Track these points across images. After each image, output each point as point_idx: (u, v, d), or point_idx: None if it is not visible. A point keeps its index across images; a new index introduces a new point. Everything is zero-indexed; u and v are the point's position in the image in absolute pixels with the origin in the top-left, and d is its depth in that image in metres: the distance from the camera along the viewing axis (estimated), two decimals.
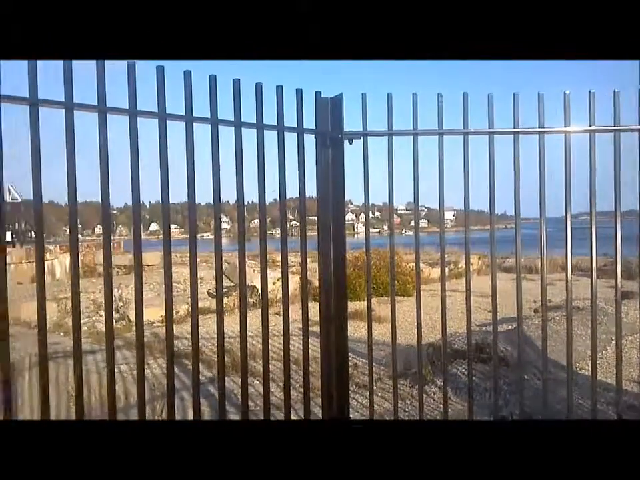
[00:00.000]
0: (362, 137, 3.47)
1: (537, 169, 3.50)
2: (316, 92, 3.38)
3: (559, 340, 6.00)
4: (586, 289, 3.52)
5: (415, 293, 3.62)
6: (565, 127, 3.45)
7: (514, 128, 3.45)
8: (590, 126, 3.43)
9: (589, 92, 3.41)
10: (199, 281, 3.00)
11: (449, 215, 74.84)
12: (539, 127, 3.45)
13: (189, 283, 2.92)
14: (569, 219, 3.48)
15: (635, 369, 5.13)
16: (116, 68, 2.66)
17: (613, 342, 4.74)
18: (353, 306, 9.33)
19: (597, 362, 3.62)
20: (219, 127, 2.98)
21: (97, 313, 9.64)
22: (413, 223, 4.07)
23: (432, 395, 5.03)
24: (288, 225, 3.27)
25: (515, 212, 3.54)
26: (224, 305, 3.11)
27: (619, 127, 3.43)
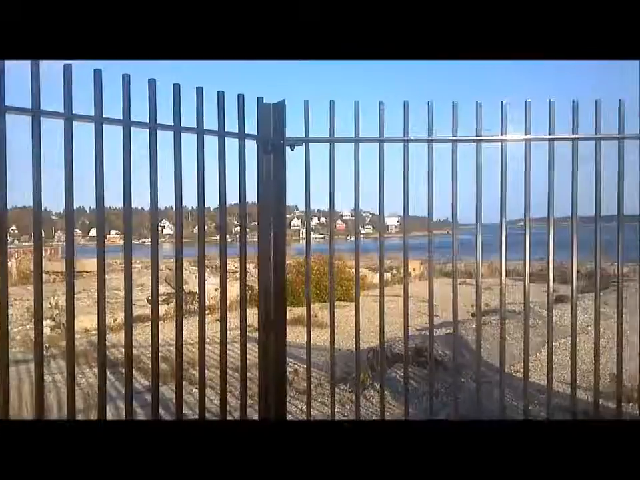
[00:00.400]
0: (304, 144, 3.48)
1: (474, 177, 3.58)
2: (258, 98, 3.37)
3: (494, 343, 6.15)
4: (521, 293, 3.62)
5: (355, 298, 3.65)
6: (502, 135, 3.54)
7: (452, 136, 3.52)
8: (525, 135, 3.54)
9: (525, 102, 3.51)
10: (140, 287, 2.95)
11: (392, 221, 75.80)
12: (476, 136, 3.53)
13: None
14: (504, 225, 3.57)
15: (568, 371, 5.29)
16: (52, 70, 2.61)
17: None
18: (295, 312, 9.34)
19: (532, 364, 3.72)
20: (160, 131, 2.94)
21: (31, 321, 9.31)
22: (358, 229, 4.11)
23: (371, 399, 5.07)
24: (233, 231, 3.25)
25: (453, 218, 3.61)
26: (166, 312, 3.07)
27: (553, 136, 3.54)
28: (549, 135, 3.55)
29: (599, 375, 3.69)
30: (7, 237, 2.51)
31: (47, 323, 8.97)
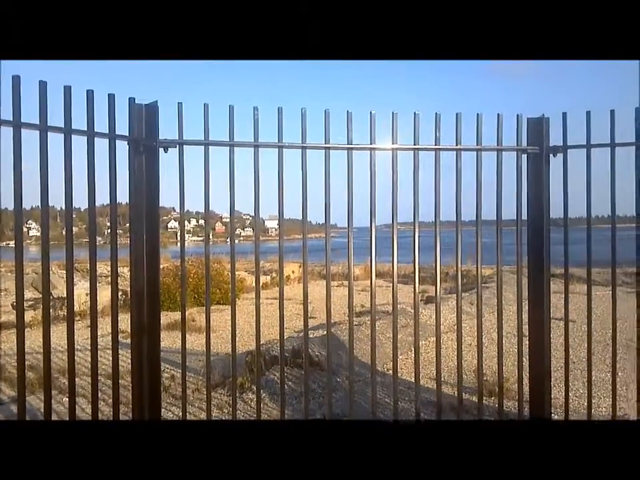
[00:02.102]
0: (177, 146, 3.45)
1: (346, 182, 3.71)
2: (130, 98, 3.31)
3: (368, 343, 6.38)
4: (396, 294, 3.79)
5: (231, 301, 3.66)
6: (371, 144, 3.70)
7: (324, 143, 3.63)
8: (393, 144, 3.72)
9: (392, 113, 3.69)
10: (4, 292, 2.79)
11: (273, 224, 76.05)
12: (347, 143, 3.67)
13: None
14: (373, 229, 3.73)
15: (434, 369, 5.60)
16: None
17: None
18: (173, 316, 9.15)
19: (404, 362, 3.90)
20: (25, 130, 2.81)
21: None
22: (238, 232, 4.13)
23: (249, 402, 5.09)
24: (105, 233, 3.16)
25: (326, 221, 3.72)
26: (32, 319, 2.92)
27: (417, 146, 3.75)
28: (414, 144, 3.75)
29: (462, 371, 3.95)
30: None
31: None
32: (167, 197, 4.03)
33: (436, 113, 3.75)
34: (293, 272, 16.70)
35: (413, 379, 5.74)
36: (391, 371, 6.06)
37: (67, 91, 2.97)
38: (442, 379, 4.03)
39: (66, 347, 3.93)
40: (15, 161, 2.78)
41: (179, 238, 3.72)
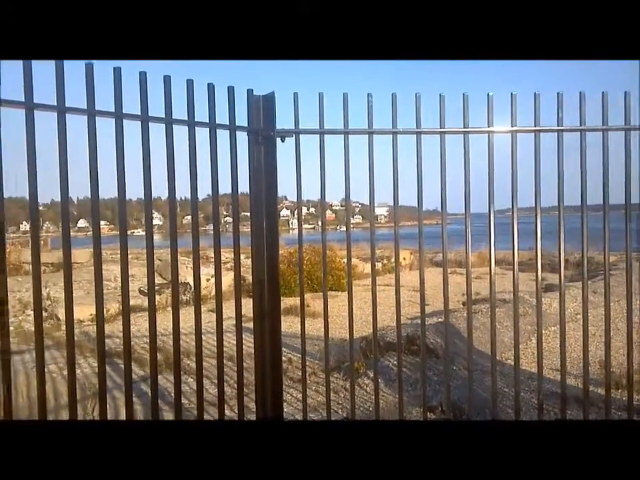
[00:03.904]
0: (294, 135, 3.51)
1: (462, 167, 3.62)
2: (248, 90, 3.39)
3: (485, 331, 6.24)
4: (511, 282, 3.68)
5: (348, 287, 3.69)
6: (489, 127, 3.59)
7: (440, 128, 3.56)
8: (512, 126, 3.59)
9: (511, 94, 3.56)
10: (130, 278, 2.97)
11: (382, 211, 75.85)
12: (463, 127, 3.58)
13: (120, 281, 2.89)
14: (492, 215, 3.62)
15: (557, 358, 5.39)
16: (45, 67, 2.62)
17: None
18: (287, 302, 9.38)
19: (522, 352, 3.78)
20: (151, 123, 2.96)
21: (24, 312, 9.33)
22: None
23: (365, 387, 5.13)
24: (222, 221, 3.29)
25: (442, 208, 3.65)
26: (157, 303, 3.09)
27: (538, 128, 3.60)
28: (534, 126, 3.60)
29: (588, 362, 3.76)
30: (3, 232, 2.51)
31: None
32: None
33: (558, 93, 3.58)
34: (404, 259, 16.61)
35: (532, 368, 5.61)
36: (509, 360, 5.92)
37: (190, 85, 3.11)
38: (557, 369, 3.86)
39: (187, 330, 4.15)
40: (144, 154, 2.93)
41: (290, 226, 3.79)
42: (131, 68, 2.85)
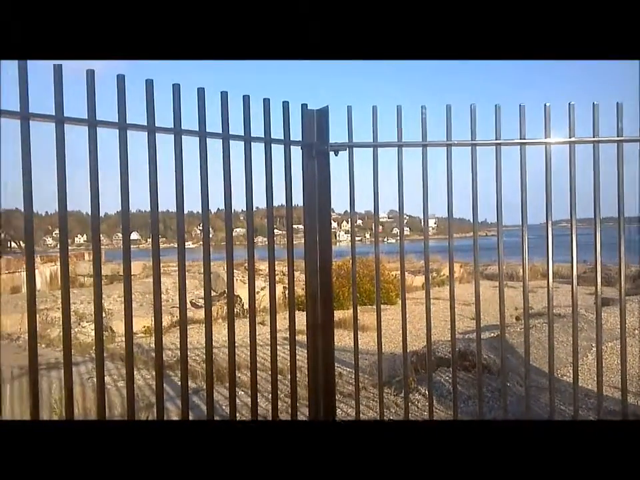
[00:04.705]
0: (347, 149, 3.51)
1: (516, 178, 3.56)
2: (302, 104, 3.42)
3: (540, 347, 6.09)
4: (566, 296, 3.60)
5: (400, 302, 3.66)
6: (546, 138, 3.53)
7: (496, 139, 3.52)
8: (570, 137, 3.52)
9: (569, 104, 3.49)
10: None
11: (430, 223, 74.40)
12: (520, 139, 3.52)
13: (171, 293, 2.93)
14: (549, 226, 3.54)
15: (615, 375, 5.22)
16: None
17: (594, 348, 4.82)
18: (336, 315, 9.35)
19: (578, 368, 3.67)
20: (207, 139, 3.02)
21: (79, 324, 9.56)
22: (394, 231, 4.13)
23: (416, 402, 5.06)
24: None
25: (498, 220, 3.59)
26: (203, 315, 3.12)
27: (597, 139, 3.52)
28: (593, 137, 3.52)
29: None
30: (67, 246, 2.59)
31: (92, 326, 9.18)
32: None
33: (617, 103, 3.49)
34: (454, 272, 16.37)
35: (588, 385, 5.43)
36: (564, 377, 5.75)
37: (246, 101, 3.15)
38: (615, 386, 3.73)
39: (237, 342, 4.16)
40: (202, 169, 2.98)
41: (338, 238, 3.77)
42: (189, 84, 2.91)
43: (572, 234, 3.55)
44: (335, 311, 10.15)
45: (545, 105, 3.50)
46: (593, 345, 5.38)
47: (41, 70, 2.65)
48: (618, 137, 3.52)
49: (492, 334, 7.24)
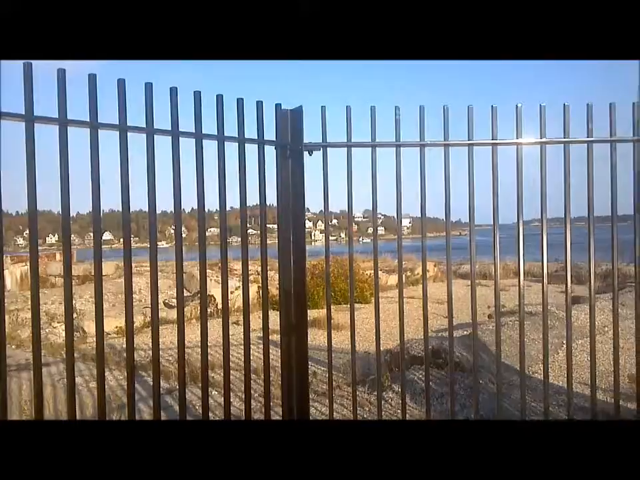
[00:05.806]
0: (321, 149, 3.52)
1: (488, 178, 3.60)
2: (276, 104, 3.42)
3: (511, 344, 6.17)
4: (538, 294, 3.64)
5: (374, 301, 3.68)
6: (517, 138, 3.57)
7: (468, 140, 3.55)
8: (540, 138, 3.57)
9: (540, 105, 3.54)
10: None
11: (404, 222, 75.21)
12: (492, 139, 3.56)
13: (144, 293, 2.91)
14: (521, 226, 3.59)
15: (585, 372, 5.32)
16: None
17: (564, 346, 4.89)
18: (311, 314, 9.36)
19: (549, 365, 3.73)
20: (180, 138, 2.99)
21: (50, 324, 9.43)
22: (369, 230, 4.16)
23: (390, 400, 5.09)
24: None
25: (470, 219, 3.63)
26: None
27: (568, 139, 3.57)
28: (564, 137, 3.58)
29: (619, 376, 3.69)
30: (37, 245, 2.55)
31: (63, 326, 9.08)
32: None
33: (587, 104, 3.55)
34: (427, 271, 16.48)
35: (559, 382, 5.52)
36: (535, 374, 5.83)
37: (219, 100, 3.13)
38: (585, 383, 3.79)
39: (210, 342, 4.14)
40: (174, 169, 2.96)
41: (313, 237, 3.78)
42: (160, 82, 2.89)
43: (542, 233, 3.60)
44: (309, 310, 10.17)
45: (517, 105, 3.55)
46: (564, 342, 5.47)
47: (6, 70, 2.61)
48: (588, 137, 3.58)
49: (465, 332, 7.31)
